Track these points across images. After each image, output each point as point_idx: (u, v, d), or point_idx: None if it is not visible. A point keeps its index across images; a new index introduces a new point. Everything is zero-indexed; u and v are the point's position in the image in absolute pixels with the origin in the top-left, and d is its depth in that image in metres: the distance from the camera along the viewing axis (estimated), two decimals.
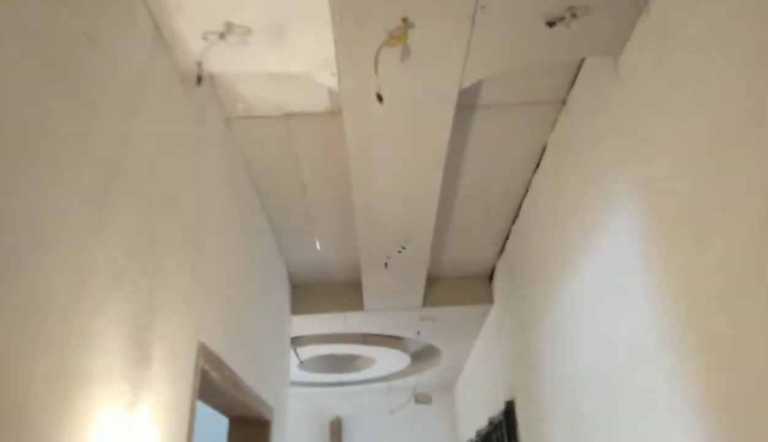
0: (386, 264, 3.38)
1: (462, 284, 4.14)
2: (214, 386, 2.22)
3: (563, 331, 2.57)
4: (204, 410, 2.33)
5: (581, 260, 2.23)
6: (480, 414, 4.83)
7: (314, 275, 4.07)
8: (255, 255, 3.00)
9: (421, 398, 6.74)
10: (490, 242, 3.69)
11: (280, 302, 3.70)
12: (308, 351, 4.88)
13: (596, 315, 2.12)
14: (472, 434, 5.32)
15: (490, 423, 4.21)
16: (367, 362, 5.64)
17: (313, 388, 6.24)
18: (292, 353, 4.88)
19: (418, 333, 4.47)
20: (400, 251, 3.22)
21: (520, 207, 3.20)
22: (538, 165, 2.79)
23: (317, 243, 3.55)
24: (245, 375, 2.61)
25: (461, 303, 4.08)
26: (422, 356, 5.92)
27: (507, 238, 3.64)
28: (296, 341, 4.84)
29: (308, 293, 4.14)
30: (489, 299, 4.10)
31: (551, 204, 2.65)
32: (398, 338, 5.15)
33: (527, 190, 3.02)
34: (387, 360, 5.40)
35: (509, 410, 3.71)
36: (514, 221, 3.38)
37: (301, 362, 4.91)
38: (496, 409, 3.98)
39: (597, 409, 2.16)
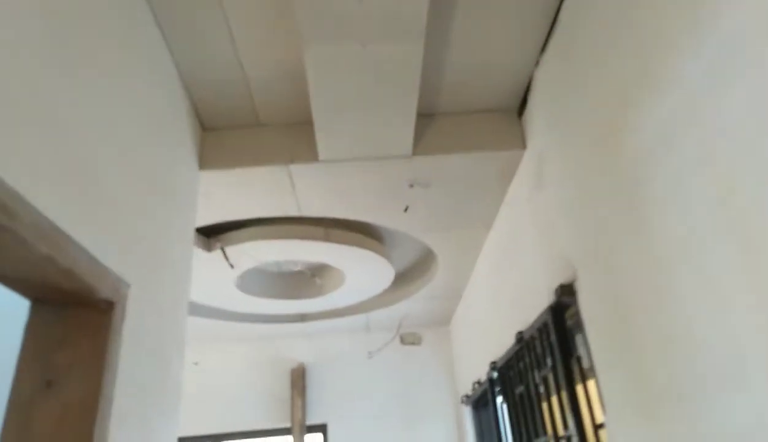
0: (351, 73, 1.85)
1: (476, 120, 2.61)
2: None
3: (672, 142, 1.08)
4: None
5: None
6: (499, 340, 3.35)
7: (239, 110, 2.50)
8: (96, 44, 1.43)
9: (409, 338, 5.27)
10: (523, 31, 2.16)
11: (168, 141, 2.13)
12: (243, 253, 3.32)
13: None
14: (481, 375, 3.86)
15: (520, 339, 2.72)
16: (334, 280, 4.12)
17: (266, 326, 4.71)
18: (220, 256, 3.32)
19: (406, 209, 2.94)
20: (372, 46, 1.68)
21: None
22: None
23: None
24: (76, 231, 1.11)
25: (474, 148, 2.56)
26: (409, 276, 4.40)
27: (554, 23, 2.11)
28: (224, 239, 3.28)
29: (229, 138, 2.56)
30: (518, 142, 2.58)
31: None
32: (376, 240, 3.62)
33: None
34: (361, 276, 3.88)
35: (559, 306, 2.23)
36: None
37: (233, 267, 3.35)
38: (535, 310, 2.49)
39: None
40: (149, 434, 1.75)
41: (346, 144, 2.44)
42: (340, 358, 5.16)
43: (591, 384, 2.09)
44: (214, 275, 3.65)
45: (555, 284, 2.20)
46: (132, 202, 1.72)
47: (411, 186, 2.77)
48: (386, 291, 4.45)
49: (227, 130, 2.57)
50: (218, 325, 4.54)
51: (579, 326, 2.14)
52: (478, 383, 3.98)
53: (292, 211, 2.93)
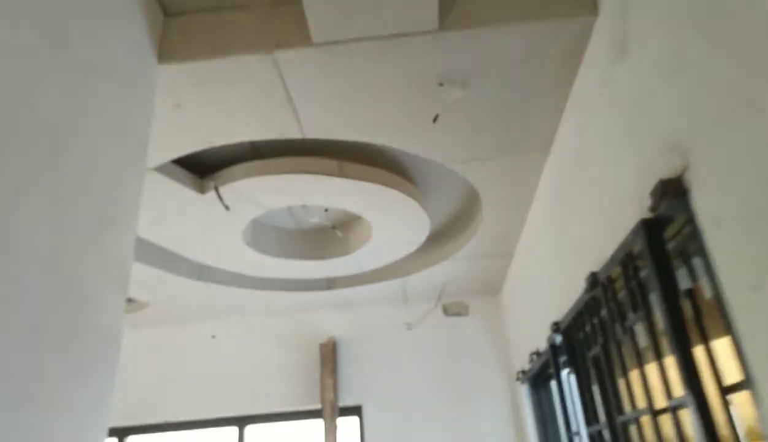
0: None
1: None
2: None
3: None
4: None
5: None
6: (563, 295, 2.64)
7: None
8: None
9: (453, 309, 4.59)
10: None
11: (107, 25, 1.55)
12: (240, 195, 2.74)
13: None
14: (539, 344, 3.15)
15: (593, 283, 2.00)
16: (360, 234, 3.49)
17: (290, 294, 4.15)
18: (215, 199, 2.75)
19: (436, 119, 2.26)
20: None
21: None
22: None
23: None
24: None
25: (525, 17, 1.85)
26: (448, 233, 3.73)
27: None
28: (219, 178, 2.71)
29: (197, 24, 1.96)
30: (587, 5, 1.85)
31: None
32: (400, 177, 2.96)
33: None
34: (390, 227, 3.24)
35: (656, 222, 1.51)
36: None
37: (228, 209, 2.77)
38: (613, 240, 1.77)
39: None
40: (41, 411, 1.17)
41: (345, 16, 1.79)
42: (376, 331, 4.54)
43: (714, 328, 1.37)
44: (216, 231, 3.10)
45: (649, 184, 1.48)
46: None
47: (441, 85, 2.09)
48: (423, 251, 3.79)
49: (195, 14, 1.97)
50: (234, 294, 4.01)
51: (691, 244, 1.43)
52: (537, 354, 3.27)
53: (293, 132, 2.31)
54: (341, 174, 2.70)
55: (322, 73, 1.99)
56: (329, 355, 4.43)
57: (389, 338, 4.51)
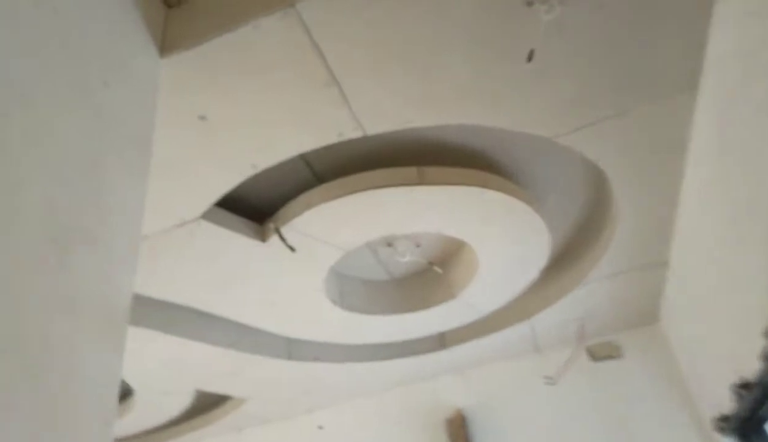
0: None
1: None
2: None
3: None
4: None
5: None
6: None
7: None
8: None
9: (601, 351, 3.66)
10: None
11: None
12: (305, 228, 2.24)
13: None
14: (743, 369, 2.23)
15: None
16: (464, 267, 2.83)
17: (399, 363, 3.49)
18: (281, 247, 2.27)
19: (530, 57, 1.64)
20: None
21: None
22: None
23: None
24: None
25: None
26: (573, 248, 2.96)
27: None
28: (276, 218, 2.25)
29: (203, 7, 1.57)
30: None
31: None
32: (493, 163, 2.32)
33: None
34: (498, 245, 2.56)
35: None
36: None
37: (293, 250, 2.25)
38: None
39: None
40: None
41: None
42: (509, 393, 3.70)
43: None
44: (293, 288, 2.61)
45: None
46: None
47: (529, 4, 1.51)
48: (547, 282, 3.04)
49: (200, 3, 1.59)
50: (334, 371, 3.43)
51: None
52: (744, 386, 2.31)
53: (346, 125, 1.81)
54: (422, 181, 2.13)
55: (358, 20, 1.49)
56: (459, 432, 3.63)
57: (528, 399, 3.64)
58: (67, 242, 0.99)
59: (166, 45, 1.52)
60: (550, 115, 1.89)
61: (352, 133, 1.84)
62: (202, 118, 1.69)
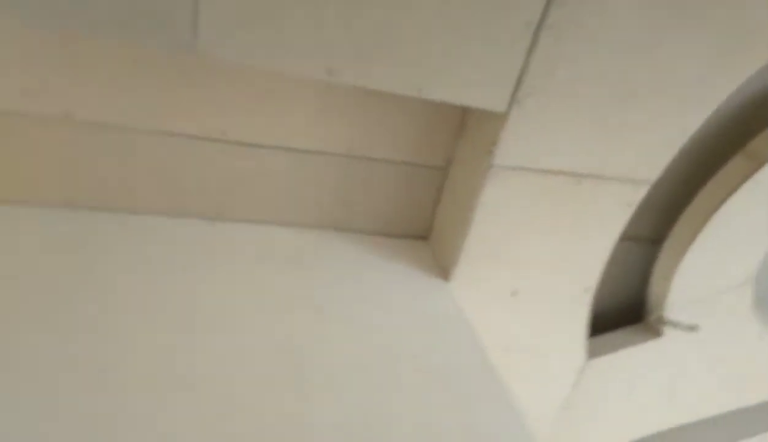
0: None
1: None
2: None
3: None
4: None
5: None
6: None
7: None
8: None
9: None
10: None
11: None
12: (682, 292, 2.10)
13: None
14: None
15: None
16: None
17: None
18: (675, 338, 2.18)
19: None
20: None
21: None
22: None
23: None
24: None
25: None
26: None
27: None
28: (649, 308, 2.19)
29: None
30: None
31: None
32: None
33: None
34: None
35: None
36: None
37: (694, 329, 2.05)
38: None
39: None
40: None
41: None
42: None
43: None
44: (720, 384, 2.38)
45: None
46: None
47: None
48: None
49: None
50: None
51: None
52: None
53: None
54: None
55: None
56: None
57: None
58: None
59: None
60: None
61: None
62: None
